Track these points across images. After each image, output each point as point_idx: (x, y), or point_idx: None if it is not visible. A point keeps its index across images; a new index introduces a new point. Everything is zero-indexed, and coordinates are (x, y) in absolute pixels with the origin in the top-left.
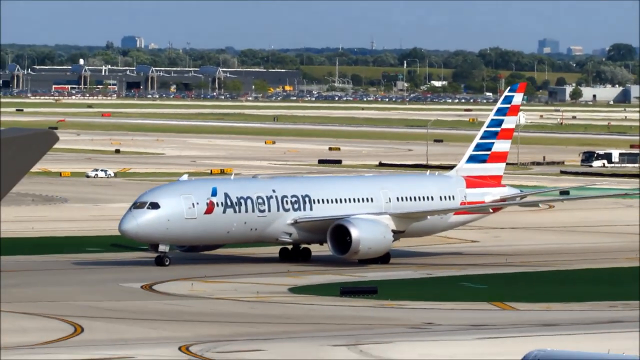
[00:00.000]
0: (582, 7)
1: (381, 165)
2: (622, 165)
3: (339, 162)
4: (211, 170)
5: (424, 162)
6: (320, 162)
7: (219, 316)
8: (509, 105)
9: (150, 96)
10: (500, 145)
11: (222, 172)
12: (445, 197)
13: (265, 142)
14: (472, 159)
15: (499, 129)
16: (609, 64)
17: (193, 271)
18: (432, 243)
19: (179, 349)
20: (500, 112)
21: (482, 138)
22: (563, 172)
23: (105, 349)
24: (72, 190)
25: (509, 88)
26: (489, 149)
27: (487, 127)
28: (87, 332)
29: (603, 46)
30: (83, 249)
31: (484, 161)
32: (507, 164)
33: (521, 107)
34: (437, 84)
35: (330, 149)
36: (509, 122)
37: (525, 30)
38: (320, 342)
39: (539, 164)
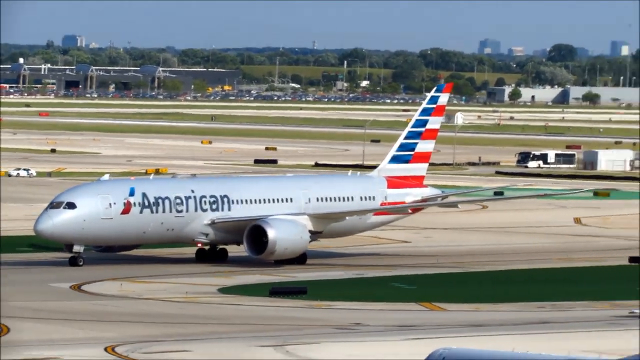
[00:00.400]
0: (524, 7)
1: (317, 165)
2: (558, 166)
3: (274, 162)
4: (146, 170)
5: (361, 162)
6: (256, 162)
7: (147, 316)
8: (434, 106)
9: (88, 95)
10: (424, 146)
11: (158, 172)
12: (365, 198)
13: (202, 142)
14: (395, 159)
15: (423, 129)
16: (550, 64)
17: (123, 271)
18: (364, 243)
19: (105, 349)
20: (425, 112)
21: (406, 138)
22: (498, 173)
23: (32, 350)
24: (6, 190)
25: (435, 88)
26: (413, 150)
27: (412, 127)
28: (14, 333)
29: (544, 47)
30: (14, 248)
31: (406, 161)
32: (443, 164)
33: (460, 108)
34: (364, 83)
35: (266, 148)
36: (433, 123)
37: (467, 31)
38: (247, 343)
39: (474, 164)
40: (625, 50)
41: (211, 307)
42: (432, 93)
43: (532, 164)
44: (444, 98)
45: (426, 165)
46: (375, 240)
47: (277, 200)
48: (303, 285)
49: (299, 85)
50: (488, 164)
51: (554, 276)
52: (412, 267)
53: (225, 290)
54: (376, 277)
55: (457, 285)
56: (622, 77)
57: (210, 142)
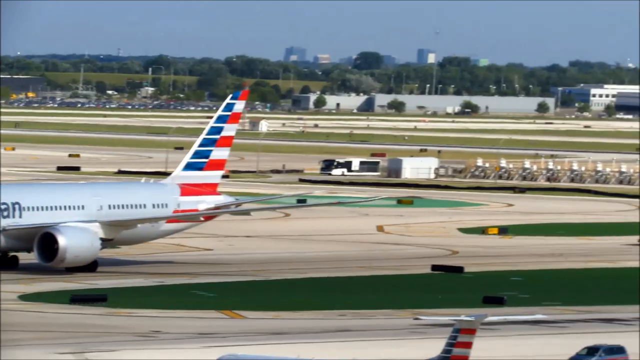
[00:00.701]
0: (330, 14)
1: (120, 172)
2: (362, 173)
3: (77, 169)
4: None
5: (164, 170)
6: (59, 169)
7: None
8: (229, 113)
9: None
10: (219, 153)
11: None
12: (158, 205)
13: (5, 149)
14: (189, 167)
15: (218, 136)
16: (355, 72)
17: None
18: (165, 251)
19: None
20: (220, 119)
21: (200, 145)
22: (302, 180)
23: None
24: None
25: (230, 96)
26: (207, 157)
27: (207, 134)
28: None
29: (350, 54)
30: None
31: (200, 169)
32: (247, 171)
33: (264, 115)
34: (150, 89)
35: (70, 155)
36: (228, 130)
37: (273, 38)
38: (47, 350)
39: (278, 172)
40: (431, 58)
41: (11, 314)
42: (228, 100)
43: (336, 172)
44: (239, 105)
45: (221, 172)
46: (177, 248)
47: (69, 207)
48: (103, 293)
49: (115, 93)
50: (292, 171)
51: (356, 284)
52: (213, 275)
53: (25, 297)
54: (177, 284)
55: (258, 292)
56: (428, 85)
57: (13, 149)
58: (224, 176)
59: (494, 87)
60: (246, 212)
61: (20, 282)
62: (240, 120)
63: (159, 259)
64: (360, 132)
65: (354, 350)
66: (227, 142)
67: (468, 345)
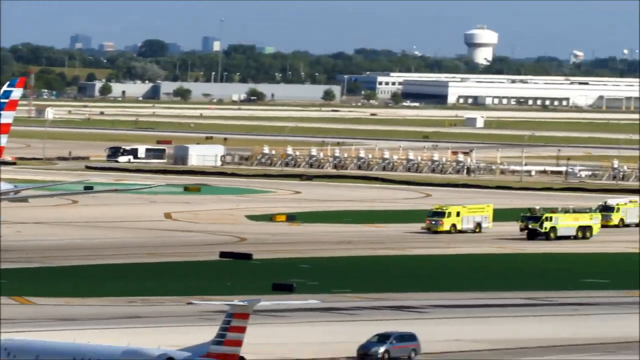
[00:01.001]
0: (113, 2)
1: None
2: (148, 161)
3: None
4: None
5: None
6: None
7: None
8: (6, 100)
9: None
10: None
11: None
12: None
13: None
14: None
15: None
16: (140, 60)
17: None
18: None
19: None
20: None
21: None
22: (88, 167)
23: None
24: None
25: (7, 83)
26: None
27: None
28: None
29: (136, 42)
30: None
31: None
32: (34, 159)
33: (50, 103)
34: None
35: None
36: (6, 117)
37: (58, 26)
38: None
39: (64, 159)
40: (217, 46)
41: None
42: (5, 88)
43: (123, 159)
44: (17, 93)
45: None
46: None
47: None
48: None
49: None
50: (78, 158)
51: (145, 271)
52: (2, 261)
53: None
54: None
55: (48, 279)
56: (213, 73)
57: None
58: (10, 163)
59: (280, 75)
60: (24, 199)
61: None
62: (27, 108)
63: None
64: (146, 119)
65: (142, 337)
66: (4, 129)
67: (242, 329)
